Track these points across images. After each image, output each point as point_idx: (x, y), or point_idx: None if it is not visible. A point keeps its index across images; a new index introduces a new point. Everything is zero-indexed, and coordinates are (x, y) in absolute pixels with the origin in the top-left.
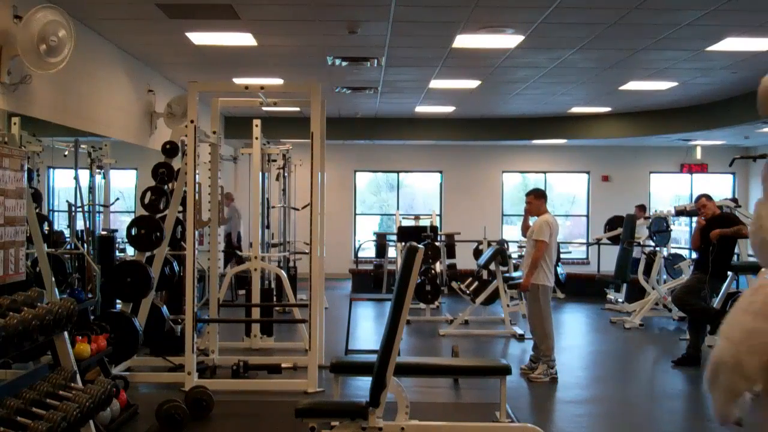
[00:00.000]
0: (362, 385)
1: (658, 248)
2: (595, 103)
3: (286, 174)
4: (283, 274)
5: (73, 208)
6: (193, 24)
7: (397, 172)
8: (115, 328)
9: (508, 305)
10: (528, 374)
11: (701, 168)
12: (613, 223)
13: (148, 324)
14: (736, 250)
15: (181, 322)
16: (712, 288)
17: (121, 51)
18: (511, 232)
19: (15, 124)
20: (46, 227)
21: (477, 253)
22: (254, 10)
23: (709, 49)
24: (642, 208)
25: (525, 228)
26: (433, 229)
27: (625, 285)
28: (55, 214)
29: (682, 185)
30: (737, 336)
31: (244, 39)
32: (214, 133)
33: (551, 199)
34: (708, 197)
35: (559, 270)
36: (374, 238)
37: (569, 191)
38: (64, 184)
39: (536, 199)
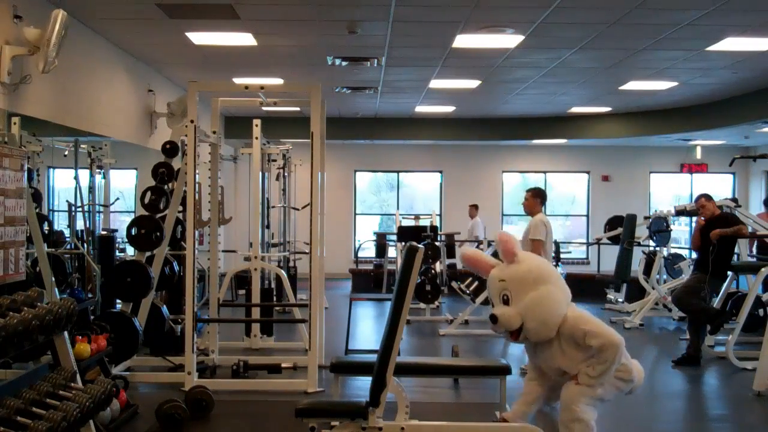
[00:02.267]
0: (362, 385)
1: (657, 248)
2: (595, 103)
3: (286, 174)
4: (283, 274)
5: (73, 208)
6: (193, 24)
7: (397, 172)
8: (115, 328)
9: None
10: None
11: (701, 168)
12: (613, 223)
13: (148, 324)
14: (735, 250)
15: (181, 322)
16: (712, 288)
17: (121, 51)
18: (511, 232)
19: (15, 124)
20: (46, 227)
21: None
22: (254, 10)
23: (709, 49)
24: (475, 207)
25: None
26: (433, 229)
27: (625, 285)
28: (55, 214)
29: (682, 185)
30: None
31: (244, 39)
32: (214, 133)
33: (551, 199)
34: (708, 197)
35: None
36: (374, 238)
37: (569, 191)
38: (64, 184)
39: (533, 197)
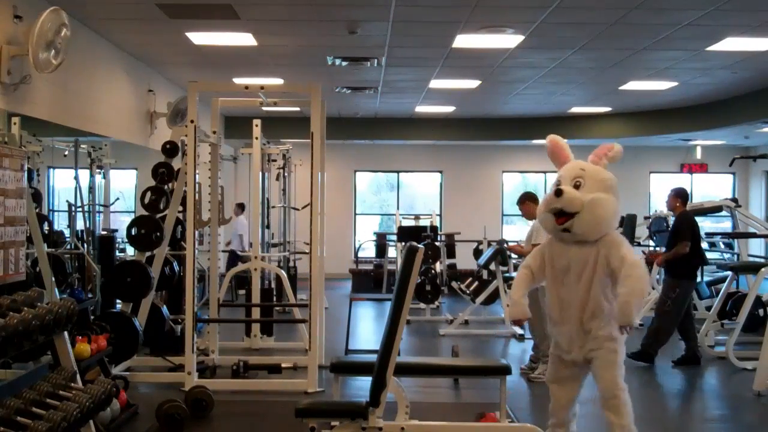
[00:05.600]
0: (362, 385)
1: (657, 248)
2: (595, 103)
3: (286, 174)
4: (283, 274)
5: (73, 208)
6: (193, 24)
7: (397, 172)
8: (115, 328)
9: (507, 305)
10: (528, 374)
11: (701, 168)
12: None
13: (148, 324)
14: (735, 250)
15: (181, 322)
16: (685, 290)
17: (121, 51)
18: (511, 232)
19: (15, 124)
20: (46, 227)
21: (477, 253)
22: (254, 10)
23: (709, 49)
24: (240, 206)
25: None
26: (433, 229)
27: None
28: (55, 214)
29: (682, 185)
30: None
31: (244, 39)
32: (214, 133)
33: None
34: (677, 193)
35: None
36: (374, 238)
37: None
38: (64, 184)
39: (521, 204)
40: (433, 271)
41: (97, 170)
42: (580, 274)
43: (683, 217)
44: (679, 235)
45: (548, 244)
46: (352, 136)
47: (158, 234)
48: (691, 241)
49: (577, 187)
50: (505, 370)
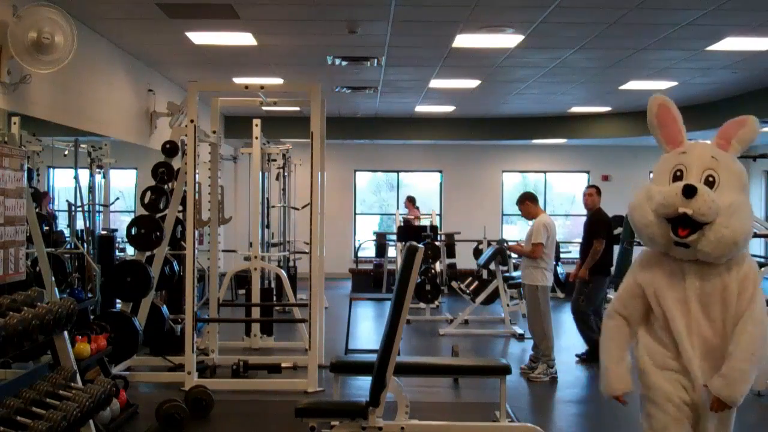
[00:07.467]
0: (362, 384)
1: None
2: (595, 102)
3: (286, 174)
4: (283, 273)
5: (73, 208)
6: (193, 24)
7: (397, 171)
8: (115, 328)
9: (508, 305)
10: (528, 374)
11: None
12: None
13: (148, 324)
14: None
15: (181, 322)
16: (597, 285)
17: (121, 51)
18: (511, 232)
19: (15, 123)
20: (46, 227)
21: (477, 253)
22: (254, 10)
23: (709, 49)
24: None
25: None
26: (433, 228)
27: None
28: (55, 213)
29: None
30: None
31: (244, 39)
32: (214, 132)
33: (551, 199)
34: (598, 189)
35: (559, 270)
36: (374, 237)
37: (569, 191)
38: (64, 183)
39: (525, 201)
40: (433, 271)
41: (97, 170)
42: (707, 307)
43: (598, 212)
44: (594, 234)
45: (644, 272)
46: (352, 135)
47: (158, 234)
48: (605, 239)
49: (710, 184)
50: (505, 370)
